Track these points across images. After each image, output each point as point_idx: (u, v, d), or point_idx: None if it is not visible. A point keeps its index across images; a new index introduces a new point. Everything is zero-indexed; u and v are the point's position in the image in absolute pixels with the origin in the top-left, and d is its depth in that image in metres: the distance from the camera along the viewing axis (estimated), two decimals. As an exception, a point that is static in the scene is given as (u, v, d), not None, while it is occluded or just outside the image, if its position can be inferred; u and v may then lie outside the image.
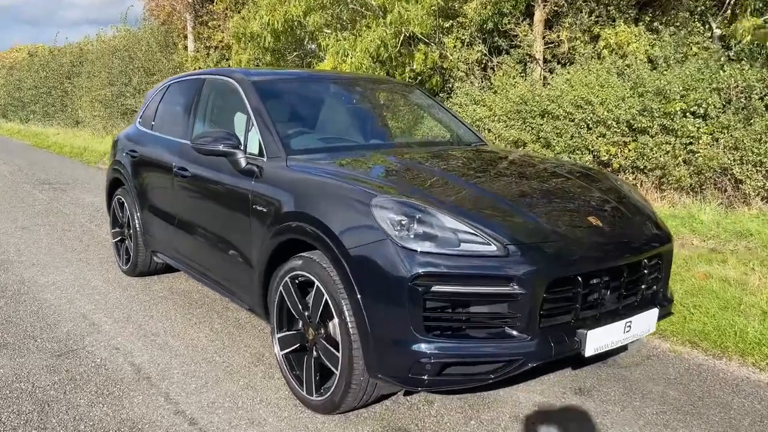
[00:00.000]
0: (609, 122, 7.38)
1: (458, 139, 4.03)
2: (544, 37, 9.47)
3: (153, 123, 4.59)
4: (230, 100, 3.65)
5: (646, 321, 2.62)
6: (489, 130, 8.60)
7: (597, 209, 2.75)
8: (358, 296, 2.34)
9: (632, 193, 3.16)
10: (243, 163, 3.20)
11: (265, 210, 2.95)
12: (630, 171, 7.37)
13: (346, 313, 2.39)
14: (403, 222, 2.31)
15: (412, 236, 2.27)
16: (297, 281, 2.73)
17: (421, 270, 2.20)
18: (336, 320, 2.45)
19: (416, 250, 2.23)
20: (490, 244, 2.28)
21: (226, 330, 3.70)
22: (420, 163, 3.17)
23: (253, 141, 3.27)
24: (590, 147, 7.59)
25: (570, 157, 7.76)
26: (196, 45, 15.86)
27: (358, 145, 3.67)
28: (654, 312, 2.66)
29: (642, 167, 7.20)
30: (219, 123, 3.86)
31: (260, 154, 3.17)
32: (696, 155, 6.70)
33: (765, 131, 6.30)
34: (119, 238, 4.91)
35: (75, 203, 8.26)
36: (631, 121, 7.22)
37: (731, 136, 6.47)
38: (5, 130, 26.63)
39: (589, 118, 7.57)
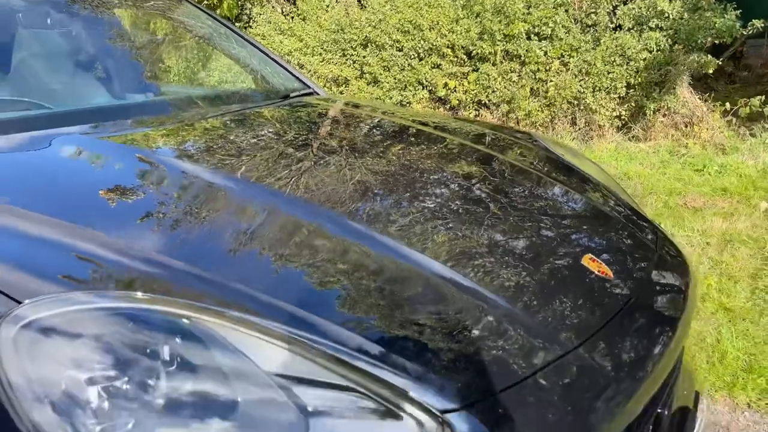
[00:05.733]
0: (443, 50, 6.15)
1: (268, 88, 2.25)
2: (354, -52, 7.83)
3: None
4: None
5: None
6: (302, 66, 6.90)
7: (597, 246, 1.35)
8: None
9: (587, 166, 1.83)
10: None
11: None
12: (472, 107, 6.27)
13: None
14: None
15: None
16: None
17: None
18: None
19: None
20: (400, 417, 0.78)
21: None
22: (197, 163, 1.47)
23: None
24: (424, 81, 6.34)
25: (401, 95, 6.45)
26: None
27: (63, 112, 1.69)
28: None
29: (485, 102, 6.13)
30: None
31: None
32: (547, 84, 5.77)
33: (615, 51, 5.51)
34: None
35: None
36: (470, 48, 6.06)
37: (583, 60, 5.60)
38: None
39: (419, 45, 6.27)
